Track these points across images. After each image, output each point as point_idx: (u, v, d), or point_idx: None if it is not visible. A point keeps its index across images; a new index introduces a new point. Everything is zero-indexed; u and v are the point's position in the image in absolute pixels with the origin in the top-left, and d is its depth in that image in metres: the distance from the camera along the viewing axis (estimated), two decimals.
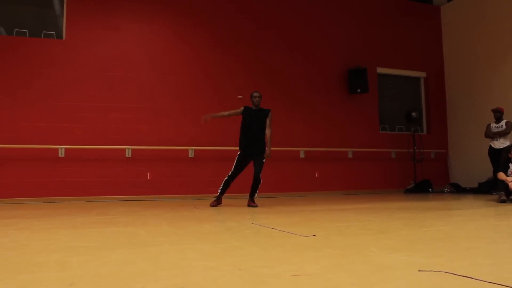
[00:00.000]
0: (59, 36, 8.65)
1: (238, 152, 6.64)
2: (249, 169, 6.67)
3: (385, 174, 10.95)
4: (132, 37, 9.06)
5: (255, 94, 6.70)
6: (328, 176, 10.22)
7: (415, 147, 10.97)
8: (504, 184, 7.05)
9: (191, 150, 9.03)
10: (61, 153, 8.18)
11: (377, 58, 11.28)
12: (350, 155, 10.46)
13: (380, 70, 11.36)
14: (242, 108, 6.74)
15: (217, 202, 6.69)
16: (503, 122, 8.98)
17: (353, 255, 2.62)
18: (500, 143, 8.86)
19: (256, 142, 6.57)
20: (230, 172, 6.59)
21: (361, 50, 11.03)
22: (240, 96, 9.48)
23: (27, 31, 8.44)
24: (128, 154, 8.61)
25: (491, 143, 9.10)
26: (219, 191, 6.69)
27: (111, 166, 8.52)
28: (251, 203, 6.63)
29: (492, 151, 9.00)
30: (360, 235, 3.52)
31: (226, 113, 6.88)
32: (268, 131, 6.61)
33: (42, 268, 2.29)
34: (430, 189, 10.71)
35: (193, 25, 9.50)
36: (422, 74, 12.01)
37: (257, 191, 6.68)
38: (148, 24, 9.19)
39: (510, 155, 7.49)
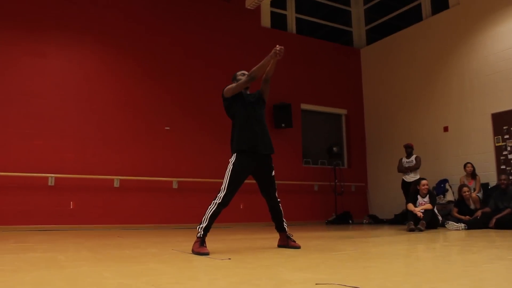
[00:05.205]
0: None
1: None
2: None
3: (308, 206, 11.36)
4: (60, 64, 9.00)
5: None
6: (253, 208, 10.41)
7: (336, 181, 11.52)
8: (413, 214, 7.63)
9: (116, 179, 8.98)
10: None
11: (301, 95, 11.85)
12: None
13: (304, 106, 11.92)
14: None
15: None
16: (413, 157, 9.65)
17: (261, 273, 2.83)
18: (411, 177, 9.49)
19: None
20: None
21: (286, 87, 11.54)
22: (167, 128, 9.63)
23: None
24: (51, 182, 8.43)
25: (403, 177, 9.74)
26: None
27: (33, 194, 8.29)
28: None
29: (405, 184, 9.63)
30: (273, 258, 3.75)
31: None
32: None
33: None
34: (350, 221, 11.22)
35: (123, 56, 9.59)
36: (343, 111, 12.72)
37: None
38: (77, 52, 9.17)
39: (418, 187, 8.12)
